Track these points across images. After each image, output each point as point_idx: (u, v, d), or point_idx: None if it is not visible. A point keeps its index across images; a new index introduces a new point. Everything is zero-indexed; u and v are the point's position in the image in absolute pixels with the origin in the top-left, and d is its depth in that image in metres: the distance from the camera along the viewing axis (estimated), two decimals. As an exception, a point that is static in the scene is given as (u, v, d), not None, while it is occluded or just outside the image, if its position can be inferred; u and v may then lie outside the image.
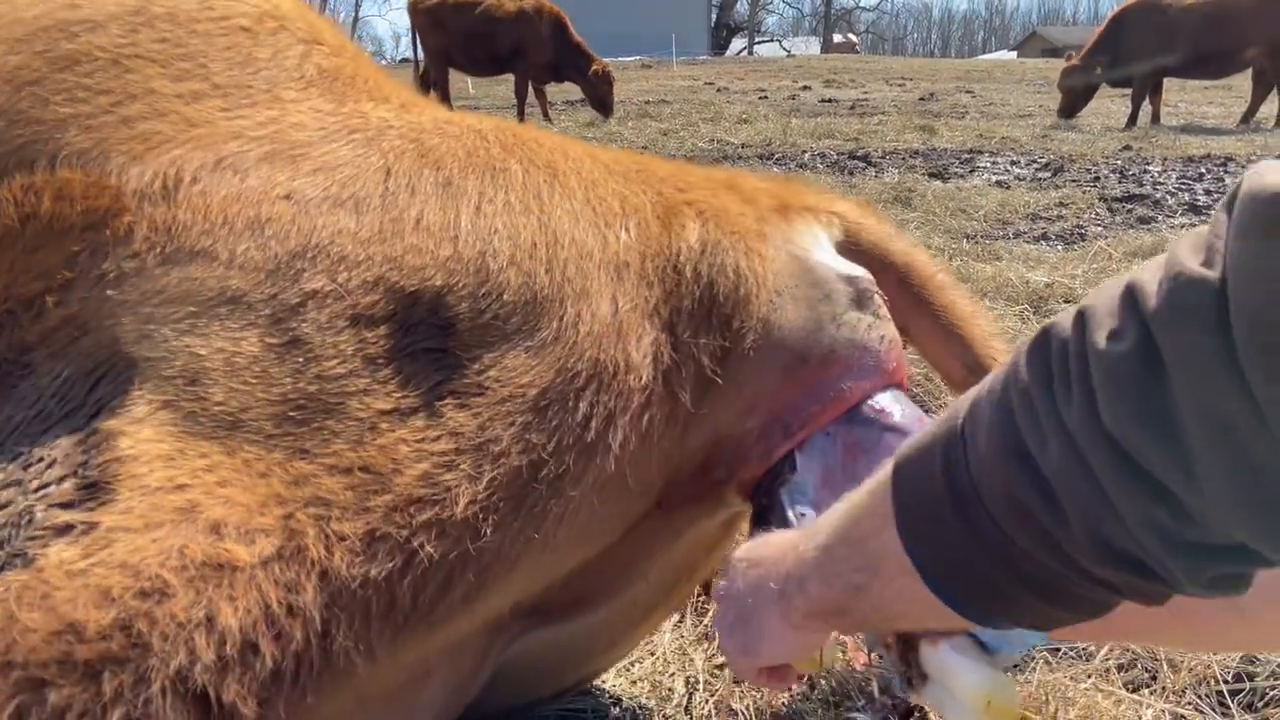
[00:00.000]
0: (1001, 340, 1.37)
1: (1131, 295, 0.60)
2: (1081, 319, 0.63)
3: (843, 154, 7.73)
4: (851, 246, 1.34)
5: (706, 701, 1.42)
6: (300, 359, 0.98)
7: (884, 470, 0.82)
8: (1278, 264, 0.51)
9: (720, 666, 1.50)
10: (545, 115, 12.10)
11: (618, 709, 1.42)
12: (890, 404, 1.22)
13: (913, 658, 1.06)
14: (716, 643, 1.10)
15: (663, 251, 1.18)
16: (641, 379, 1.10)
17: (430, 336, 1.03)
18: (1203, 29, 10.49)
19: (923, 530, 0.76)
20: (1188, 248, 0.58)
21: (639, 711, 1.40)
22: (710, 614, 1.66)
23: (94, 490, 0.90)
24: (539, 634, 1.21)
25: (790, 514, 1.18)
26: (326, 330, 1.00)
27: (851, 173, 6.66)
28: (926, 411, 1.32)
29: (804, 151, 7.88)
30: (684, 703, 1.41)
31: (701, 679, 1.48)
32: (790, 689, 1.12)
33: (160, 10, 1.22)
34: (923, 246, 1.42)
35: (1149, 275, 0.60)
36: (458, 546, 0.96)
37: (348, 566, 0.91)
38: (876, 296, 1.27)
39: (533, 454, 1.02)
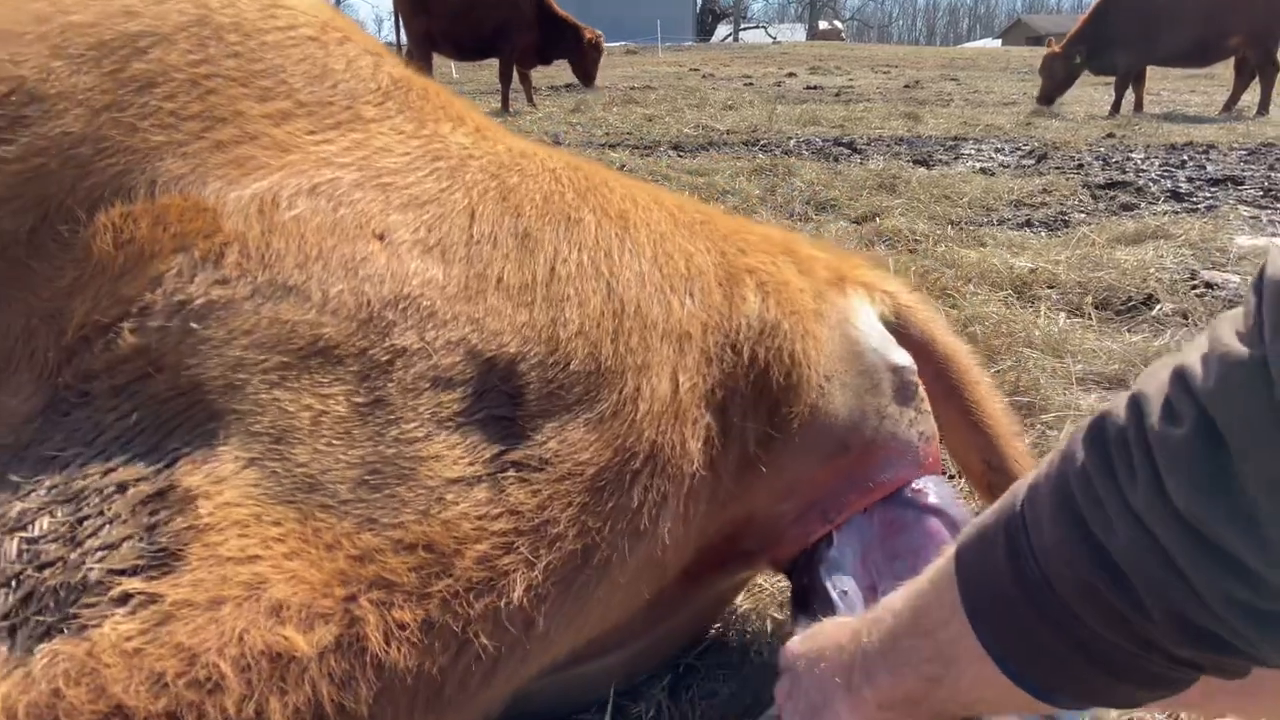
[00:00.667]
0: (1023, 441, 1.40)
1: (1181, 377, 0.62)
2: (1136, 404, 0.65)
3: (828, 141, 7.71)
4: (898, 328, 1.34)
5: (688, 693, 1.42)
6: (382, 420, 0.94)
7: (944, 559, 0.82)
8: None
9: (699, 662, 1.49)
10: (530, 100, 12.02)
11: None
12: (927, 485, 1.25)
13: None
14: None
15: (723, 325, 1.16)
16: (693, 464, 1.09)
17: (500, 404, 1.00)
18: (1185, 17, 10.52)
19: (995, 620, 0.76)
20: (1227, 327, 0.61)
21: (624, 700, 1.39)
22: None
23: (162, 557, 0.84)
24: (545, 678, 1.21)
25: (833, 593, 1.19)
26: (410, 392, 0.96)
27: (837, 159, 6.65)
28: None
29: (789, 138, 7.85)
30: (666, 691, 1.41)
31: (682, 669, 1.48)
32: None
33: (225, 20, 1.15)
34: (961, 340, 1.44)
35: (1194, 357, 0.62)
36: (510, 638, 0.94)
37: (404, 658, 0.88)
38: (920, 389, 1.29)
39: (587, 538, 1.00)
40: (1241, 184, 5.54)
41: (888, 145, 7.46)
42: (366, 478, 0.91)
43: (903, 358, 1.29)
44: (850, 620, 1.03)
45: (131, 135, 1.04)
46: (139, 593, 0.83)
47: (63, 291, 0.99)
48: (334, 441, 0.92)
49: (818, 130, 8.52)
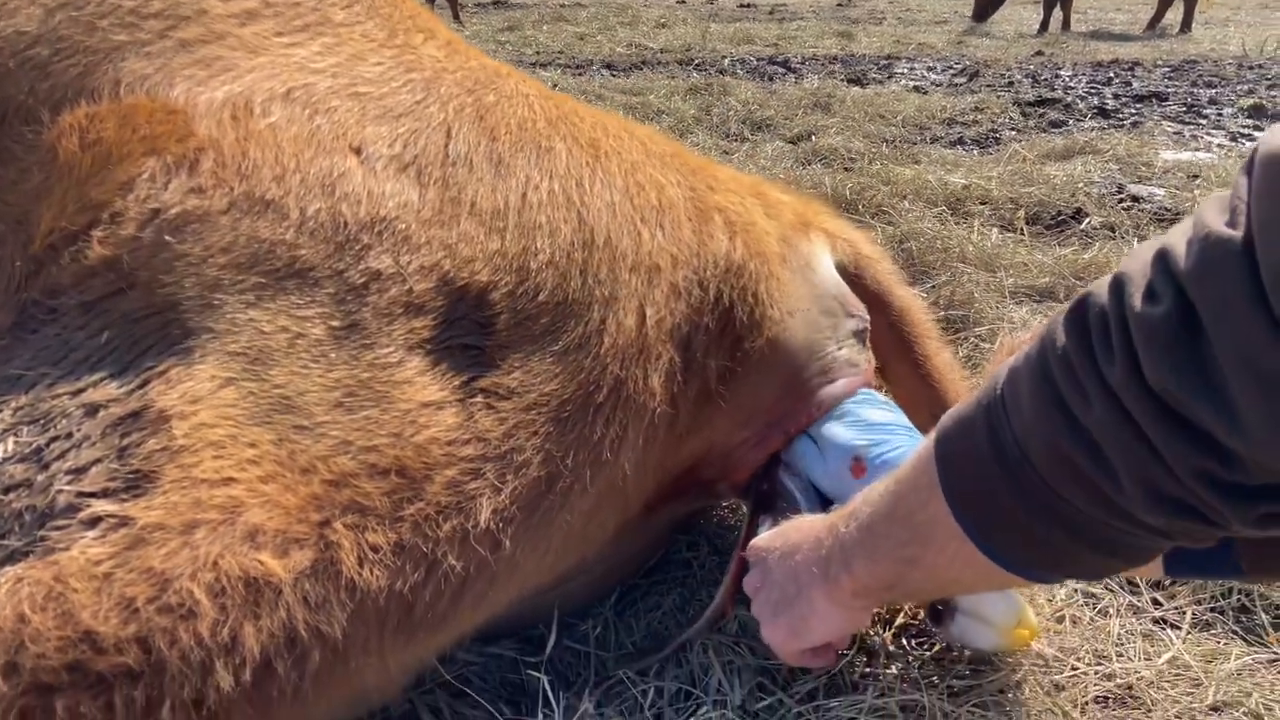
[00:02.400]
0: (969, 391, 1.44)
1: (1163, 259, 0.63)
2: (1118, 285, 0.66)
3: (762, 60, 7.62)
4: (856, 278, 1.37)
5: (635, 602, 1.43)
6: (358, 344, 0.93)
7: (923, 447, 0.85)
8: None
9: (652, 569, 1.51)
10: (456, 18, 11.62)
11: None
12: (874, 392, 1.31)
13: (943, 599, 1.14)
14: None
15: (691, 260, 1.17)
16: (655, 398, 1.10)
17: (470, 332, 1.00)
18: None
19: (972, 497, 0.79)
20: (1213, 210, 0.62)
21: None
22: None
23: (135, 479, 0.83)
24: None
25: (796, 493, 1.21)
26: (384, 316, 0.95)
27: (771, 79, 6.58)
28: None
29: (724, 57, 7.74)
30: (614, 603, 1.42)
31: (632, 580, 1.50)
32: (836, 661, 1.16)
33: None
34: (917, 295, 1.49)
35: (1177, 239, 0.63)
36: (476, 558, 0.96)
37: (376, 580, 0.89)
38: (867, 333, 1.33)
39: (551, 465, 1.01)
40: (1165, 100, 5.64)
41: (822, 64, 7.41)
42: (342, 400, 0.91)
43: (858, 306, 1.33)
44: (823, 516, 1.05)
45: (91, 34, 1.00)
46: (110, 515, 0.81)
47: (29, 194, 0.95)
48: (310, 364, 0.91)
49: (752, 49, 8.42)
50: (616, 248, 1.10)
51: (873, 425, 1.24)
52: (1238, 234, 0.58)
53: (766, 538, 1.10)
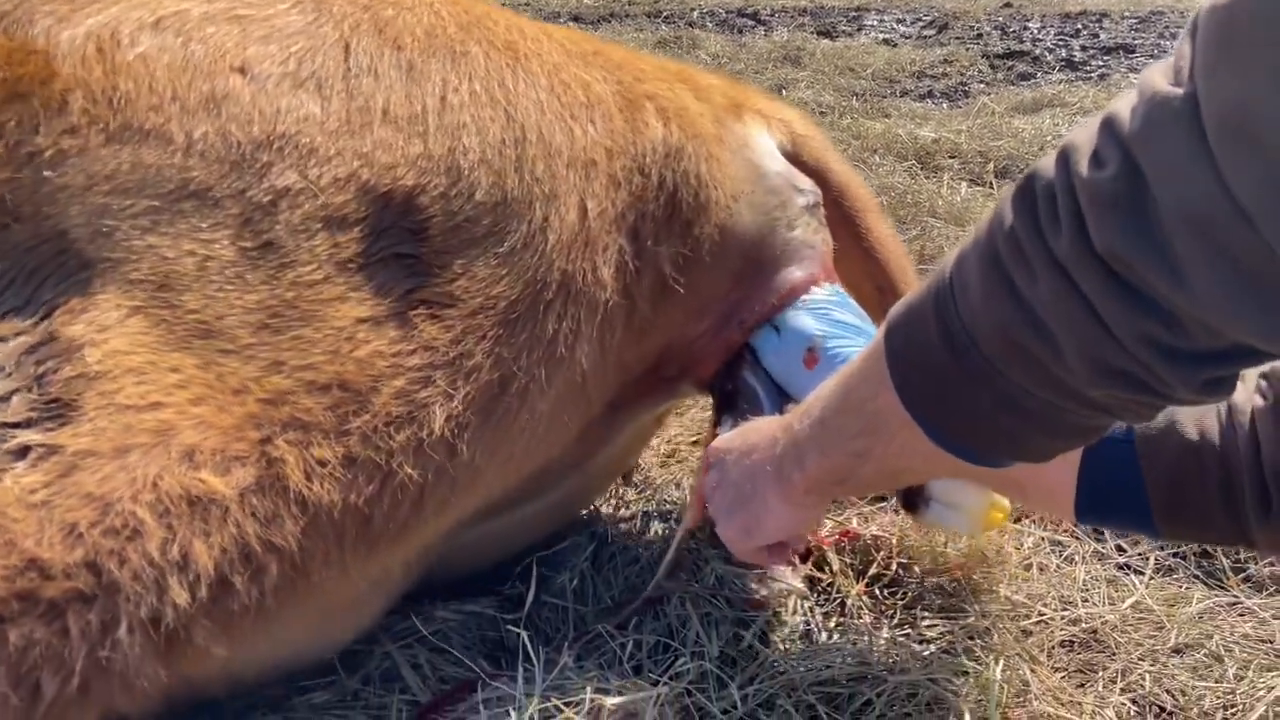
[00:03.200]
0: (914, 268, 1.43)
1: (1109, 124, 0.62)
2: (1064, 155, 0.65)
3: (731, 12, 7.55)
4: (794, 155, 1.34)
5: (613, 556, 1.45)
6: (275, 263, 0.91)
7: (874, 339, 0.85)
8: (1238, 57, 0.54)
9: (627, 520, 1.52)
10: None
11: (523, 567, 1.43)
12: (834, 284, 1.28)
13: (915, 487, 1.15)
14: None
15: (628, 150, 1.14)
16: (607, 289, 1.08)
17: (402, 241, 0.97)
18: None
19: (920, 384, 0.79)
20: (1157, 73, 0.61)
21: (546, 569, 1.41)
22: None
23: (56, 408, 0.81)
24: (481, 526, 1.22)
25: (759, 390, 1.21)
26: (300, 232, 0.92)
27: (741, 31, 6.52)
28: None
29: (693, 9, 7.66)
30: (590, 558, 1.43)
31: (610, 535, 1.51)
32: (792, 562, 1.17)
33: None
34: (853, 167, 1.47)
35: (1123, 105, 0.62)
36: (433, 465, 0.94)
37: (328, 494, 0.87)
38: (820, 209, 1.30)
39: (504, 368, 0.99)
40: (1133, 52, 5.65)
41: (791, 16, 7.34)
42: (268, 322, 0.89)
43: (805, 180, 1.30)
44: (779, 416, 1.06)
45: None
46: (38, 445, 0.80)
47: None
48: (225, 287, 0.89)
49: (721, 1, 8.32)
50: (550, 143, 1.07)
51: (838, 323, 1.23)
52: (1181, 90, 0.57)
53: (725, 438, 1.10)
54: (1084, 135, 0.65)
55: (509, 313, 1.00)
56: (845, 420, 0.89)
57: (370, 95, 0.99)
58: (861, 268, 1.38)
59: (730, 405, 1.23)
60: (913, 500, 1.21)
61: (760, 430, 1.05)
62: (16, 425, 0.81)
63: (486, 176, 1.01)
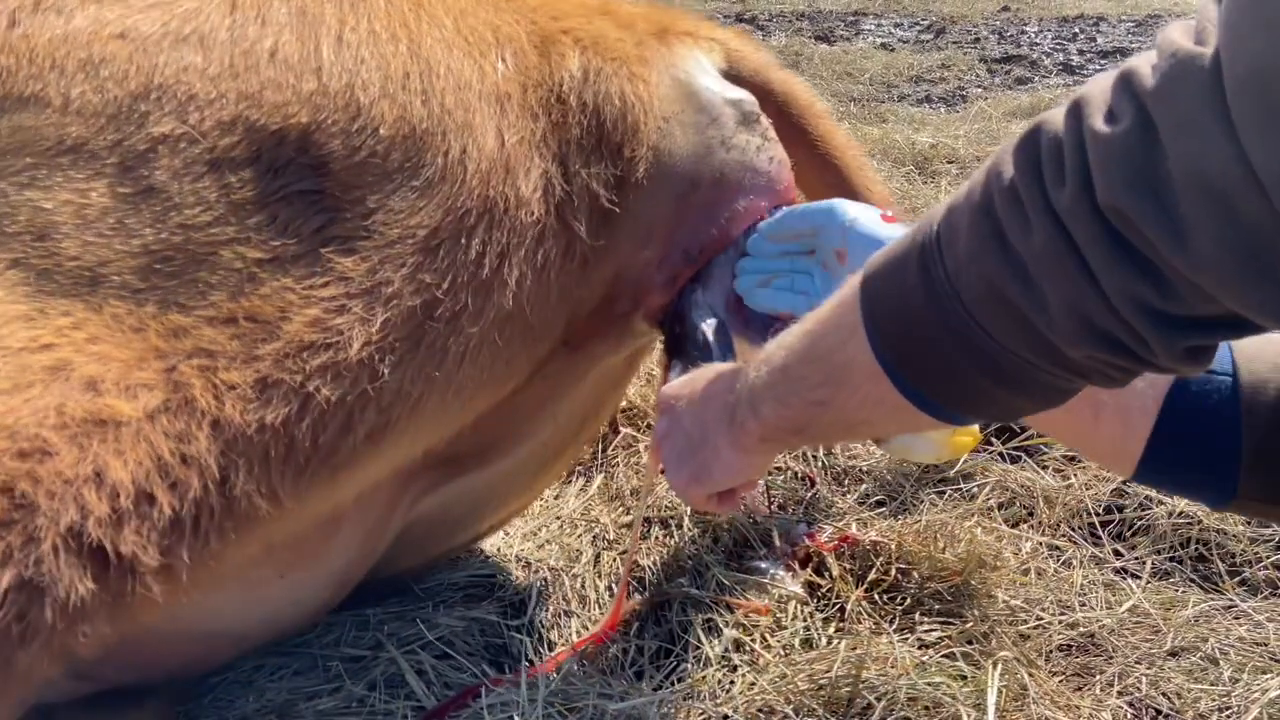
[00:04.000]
0: (873, 168, 1.39)
1: (1126, 79, 0.61)
2: (1076, 108, 0.64)
3: (729, 17, 7.59)
4: (732, 74, 1.31)
5: (614, 560, 1.46)
6: (158, 208, 0.91)
7: (847, 286, 0.83)
8: (1262, 21, 0.53)
9: (626, 525, 1.54)
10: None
11: (526, 573, 1.45)
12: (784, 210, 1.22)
13: None
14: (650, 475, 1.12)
15: (544, 82, 1.13)
16: (534, 213, 1.07)
17: (302, 178, 0.96)
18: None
19: (895, 334, 0.77)
20: (1179, 32, 0.60)
21: (548, 574, 1.43)
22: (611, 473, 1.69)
23: None
24: (451, 485, 1.21)
25: (708, 334, 1.18)
26: (184, 176, 0.93)
27: (738, 35, 6.55)
28: None
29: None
30: (592, 562, 1.45)
31: (610, 538, 1.52)
32: (741, 508, 1.15)
33: None
34: (796, 76, 1.43)
35: (1142, 61, 0.61)
36: (355, 388, 0.94)
37: (240, 414, 0.87)
38: (762, 119, 1.26)
39: (426, 294, 0.98)
40: (1130, 56, 5.67)
41: (789, 21, 7.38)
42: (157, 266, 0.90)
43: (738, 92, 1.27)
44: (732, 363, 1.05)
45: None
46: None
47: None
48: (104, 233, 0.90)
49: (718, 6, 8.36)
50: (459, 78, 1.07)
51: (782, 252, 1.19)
52: (1207, 49, 0.56)
53: (675, 385, 1.09)
54: (1098, 90, 0.64)
55: (429, 241, 1.00)
56: (809, 369, 0.87)
57: (256, 40, 1.00)
58: (820, 178, 1.35)
59: (679, 350, 1.21)
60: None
61: (712, 377, 1.03)
62: None
63: (391, 110, 1.01)
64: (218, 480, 0.86)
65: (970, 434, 1.13)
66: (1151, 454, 0.95)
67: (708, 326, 1.19)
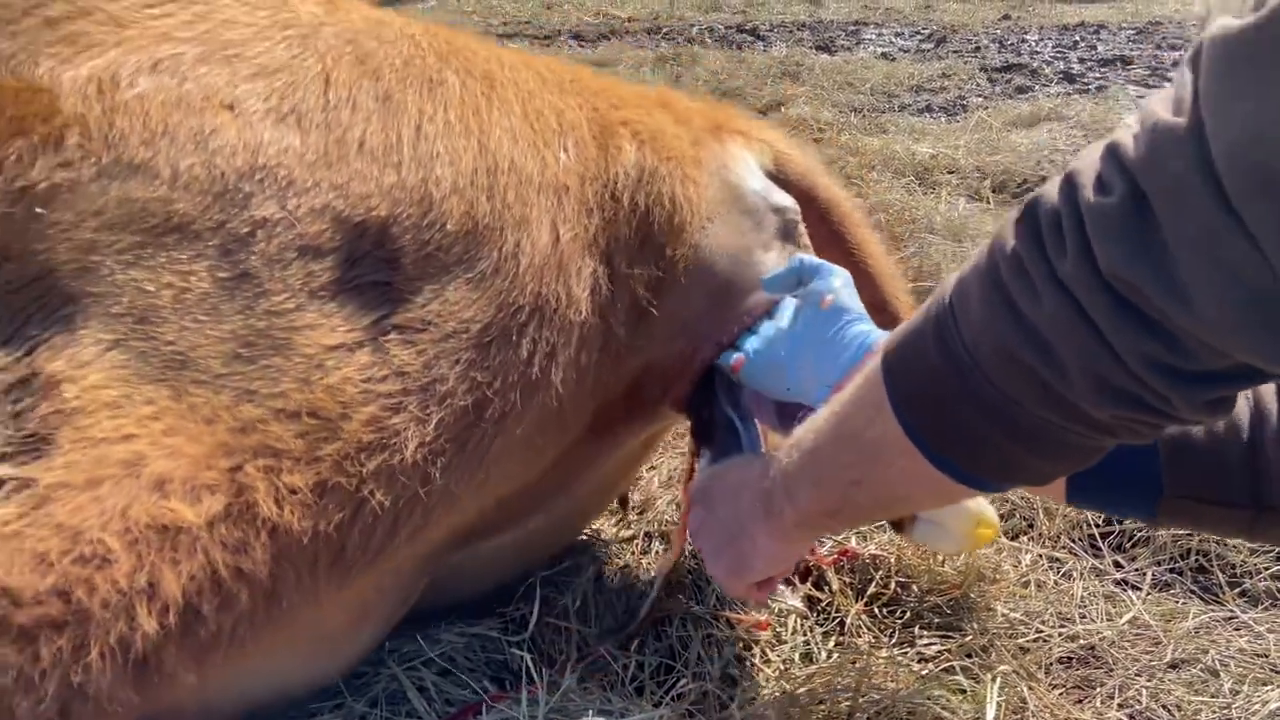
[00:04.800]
0: (903, 281, 1.44)
1: (1113, 152, 0.64)
2: (1068, 181, 0.67)
3: (730, 27, 7.60)
4: (778, 176, 1.35)
5: (616, 575, 1.46)
6: (250, 293, 0.92)
7: (869, 367, 0.85)
8: (1243, 90, 0.56)
9: (627, 540, 1.54)
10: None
11: (527, 589, 1.45)
12: None
13: None
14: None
15: (600, 175, 1.16)
16: (581, 313, 1.09)
17: (376, 270, 0.98)
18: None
19: (922, 408, 0.79)
20: (1158, 104, 0.63)
21: (549, 590, 1.43)
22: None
23: (32, 443, 0.83)
24: (467, 550, 1.23)
25: (736, 421, 1.21)
26: (275, 263, 0.93)
27: (740, 47, 6.56)
28: None
29: (692, 25, 7.71)
30: (593, 578, 1.45)
31: (611, 554, 1.53)
32: (793, 583, 1.18)
33: None
34: (840, 183, 1.48)
35: (1125, 134, 0.64)
36: (407, 492, 0.95)
37: (298, 520, 0.88)
38: (801, 227, 1.30)
39: (478, 393, 1.00)
40: (1130, 64, 5.68)
41: (790, 31, 7.39)
42: (239, 351, 0.91)
43: (784, 199, 1.30)
44: (762, 453, 1.07)
45: None
46: (11, 479, 0.81)
47: None
48: (200, 318, 0.90)
49: (720, 17, 8.37)
50: (522, 171, 1.09)
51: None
52: (1184, 120, 0.59)
53: (708, 475, 1.11)
54: (1087, 162, 0.66)
55: (482, 336, 1.01)
56: (840, 449, 0.89)
57: (348, 127, 1.02)
58: (856, 283, 1.39)
59: (707, 436, 1.23)
60: (899, 520, 1.21)
61: (744, 466, 1.05)
62: None
63: (459, 205, 1.03)
64: (266, 593, 0.87)
65: (991, 527, 1.17)
66: (1079, 477, 0.94)
67: (736, 414, 1.21)
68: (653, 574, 1.44)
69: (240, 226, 0.94)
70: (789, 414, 1.20)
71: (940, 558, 1.44)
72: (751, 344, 1.20)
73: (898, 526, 1.22)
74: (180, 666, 0.83)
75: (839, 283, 1.14)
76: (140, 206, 0.92)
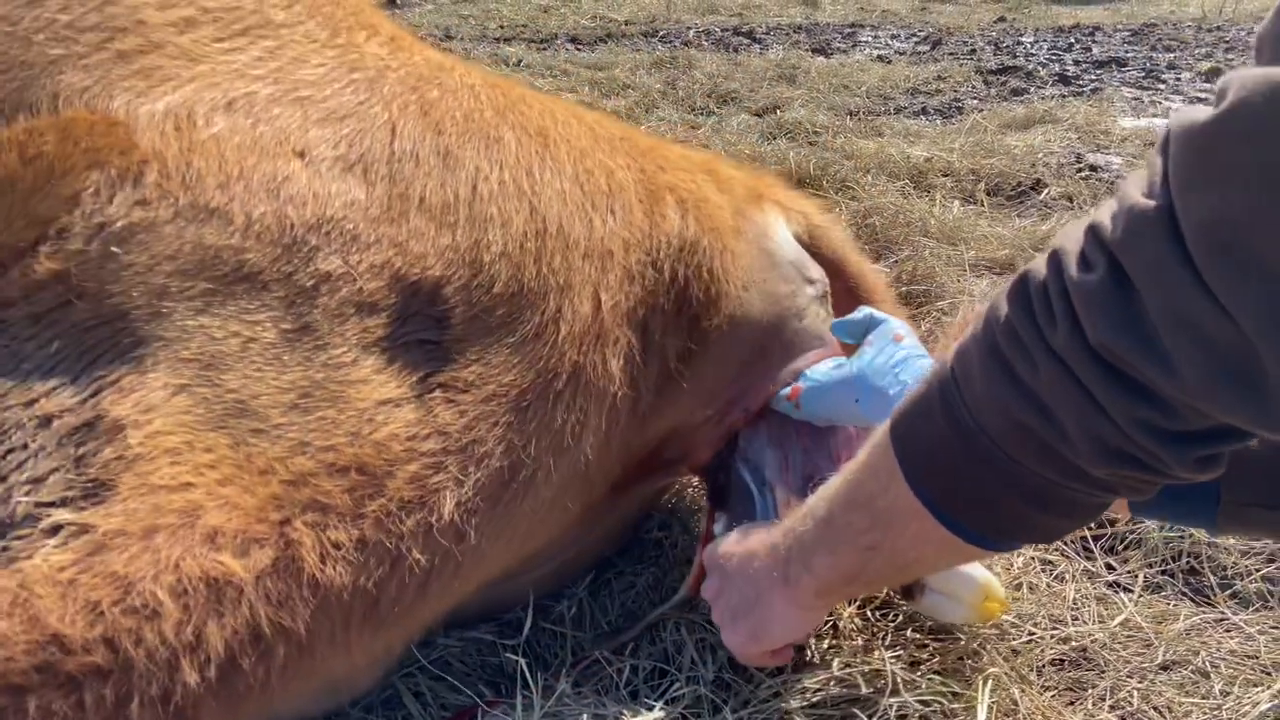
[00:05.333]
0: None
1: (1093, 231, 0.69)
2: (1054, 258, 0.72)
3: (727, 30, 7.59)
4: (810, 246, 1.37)
5: (610, 579, 1.47)
6: (310, 346, 0.94)
7: (878, 434, 0.89)
8: (1208, 178, 0.61)
9: (625, 550, 1.55)
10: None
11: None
12: None
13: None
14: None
15: (644, 242, 1.17)
16: (615, 381, 1.11)
17: (426, 328, 1.00)
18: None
19: (931, 473, 0.83)
20: (1133, 185, 0.68)
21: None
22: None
23: (93, 488, 0.84)
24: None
25: (752, 486, 1.22)
26: (335, 317, 0.95)
27: (736, 50, 6.56)
28: None
29: (688, 28, 7.71)
30: (589, 583, 1.46)
31: (607, 559, 1.53)
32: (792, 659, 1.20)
33: None
34: (868, 259, 1.53)
35: (1105, 214, 0.69)
36: (442, 550, 0.97)
37: (340, 577, 0.90)
38: (828, 298, 1.34)
39: (513, 455, 1.02)
40: (1125, 65, 5.69)
41: (786, 34, 7.39)
42: (298, 402, 0.92)
43: (817, 271, 1.34)
44: (778, 521, 1.08)
45: (27, 49, 0.99)
46: (70, 524, 0.82)
47: None
48: (264, 368, 0.91)
49: (716, 19, 8.38)
50: (569, 235, 1.11)
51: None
52: (1154, 203, 0.63)
53: (724, 544, 1.12)
54: (1071, 239, 0.71)
55: (520, 400, 1.03)
56: (854, 515, 0.91)
57: (410, 182, 1.03)
58: None
59: (723, 500, 1.25)
60: (909, 588, 1.23)
61: (760, 535, 1.07)
62: (51, 504, 0.83)
63: (506, 269, 1.04)
64: (301, 646, 0.89)
65: (999, 601, 1.21)
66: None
67: (753, 480, 1.23)
68: (652, 579, 1.44)
69: (306, 279, 0.95)
70: (806, 477, 1.22)
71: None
72: (811, 373, 1.22)
73: (907, 595, 1.24)
74: (214, 717, 0.85)
75: (907, 328, 1.19)
76: (214, 254, 0.93)
